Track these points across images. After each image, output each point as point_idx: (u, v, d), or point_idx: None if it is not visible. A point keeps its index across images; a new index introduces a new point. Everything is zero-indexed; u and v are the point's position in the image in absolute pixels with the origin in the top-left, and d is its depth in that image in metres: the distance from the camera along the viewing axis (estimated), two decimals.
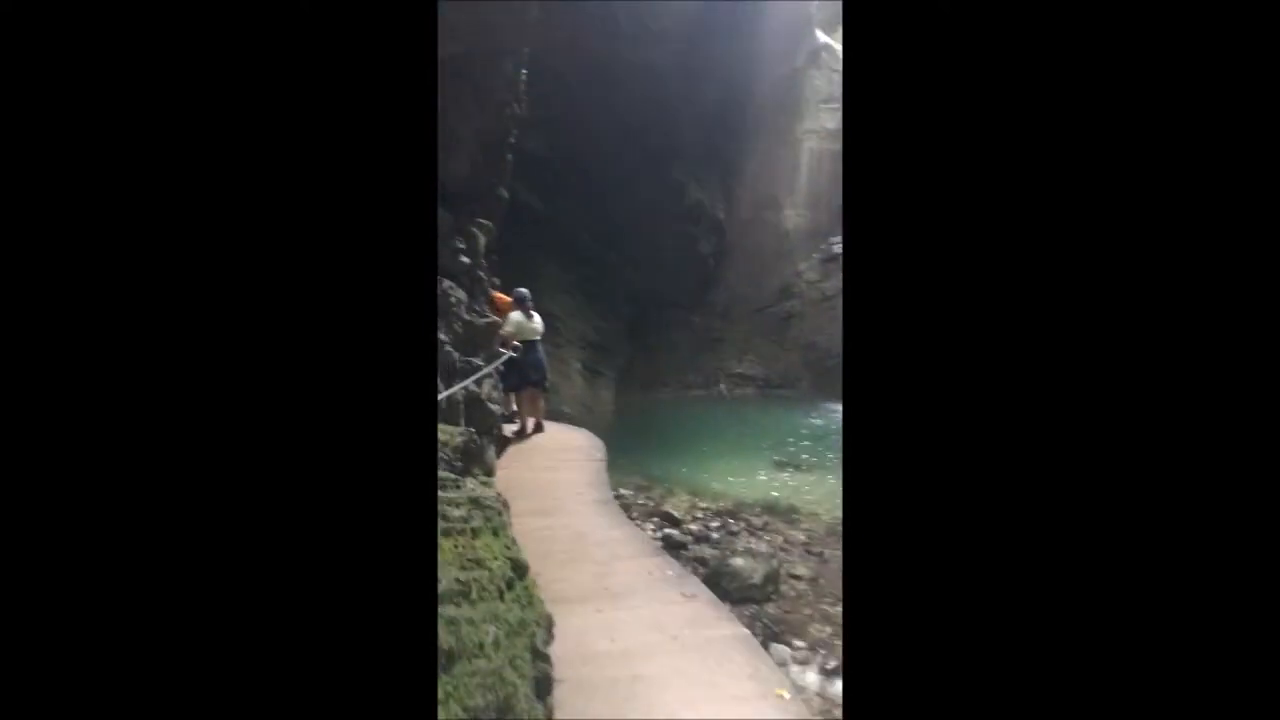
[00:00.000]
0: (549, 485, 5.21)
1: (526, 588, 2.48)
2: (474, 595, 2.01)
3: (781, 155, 15.79)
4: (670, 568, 3.54)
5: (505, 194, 6.03)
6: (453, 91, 4.32)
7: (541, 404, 7.54)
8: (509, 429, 7.21)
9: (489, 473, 3.64)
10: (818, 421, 10.92)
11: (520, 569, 2.51)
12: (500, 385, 6.98)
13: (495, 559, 2.38)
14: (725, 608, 3.11)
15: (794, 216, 15.59)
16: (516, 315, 6.81)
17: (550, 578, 3.20)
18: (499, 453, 6.13)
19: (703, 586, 3.32)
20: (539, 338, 7.06)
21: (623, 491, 6.98)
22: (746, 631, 2.85)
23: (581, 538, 3.99)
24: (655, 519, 6.24)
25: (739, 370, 14.84)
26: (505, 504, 3.04)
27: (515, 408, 7.46)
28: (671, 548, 5.64)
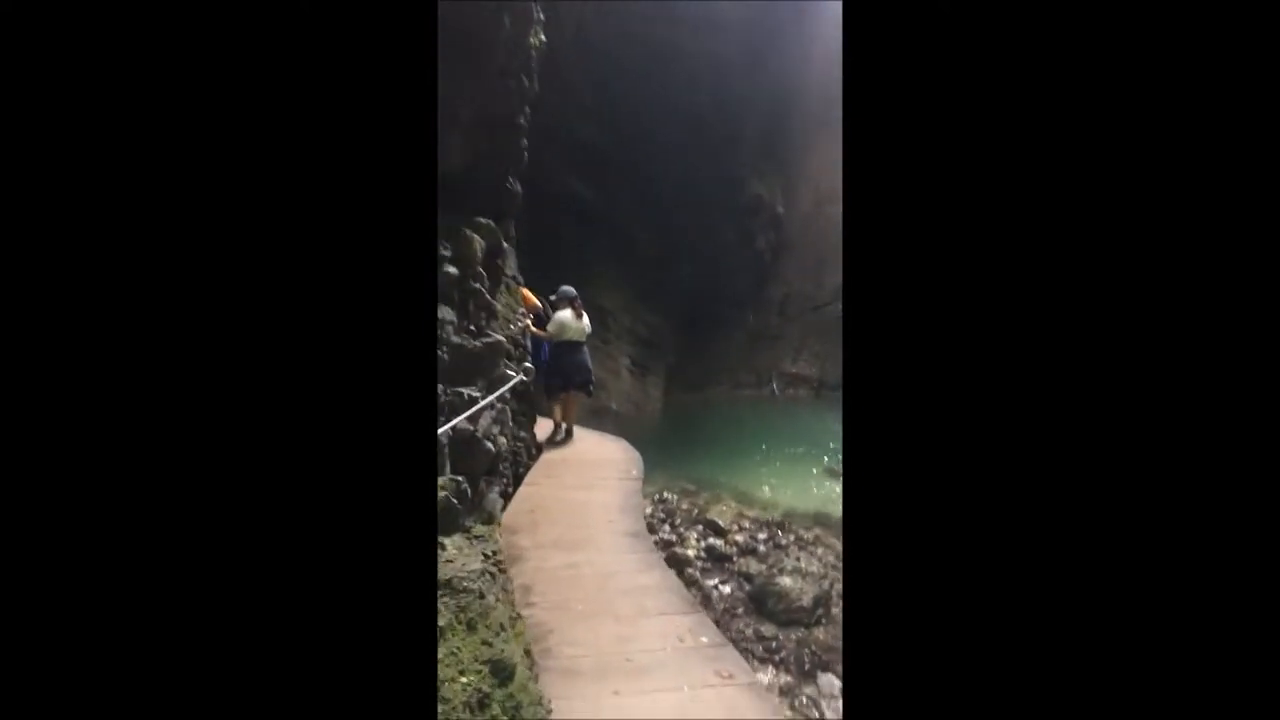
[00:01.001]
0: (579, 509, 4.77)
1: (513, 694, 1.90)
2: None
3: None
4: (704, 632, 3.07)
5: (517, 187, 5.09)
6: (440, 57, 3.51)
7: (575, 409, 7.16)
8: (551, 434, 6.96)
9: (488, 520, 3.01)
10: None
11: (504, 671, 1.93)
12: (543, 389, 6.72)
13: (463, 674, 1.80)
14: (770, 698, 2.65)
15: None
16: (564, 314, 6.54)
17: (564, 638, 2.84)
18: (530, 463, 5.78)
19: (741, 661, 2.86)
20: (584, 339, 6.75)
21: (667, 495, 6.75)
22: None
23: (607, 583, 3.55)
24: (699, 527, 5.99)
25: (793, 370, 14.35)
26: (499, 569, 2.52)
27: (554, 412, 7.04)
28: (715, 560, 5.39)
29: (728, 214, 13.84)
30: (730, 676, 2.64)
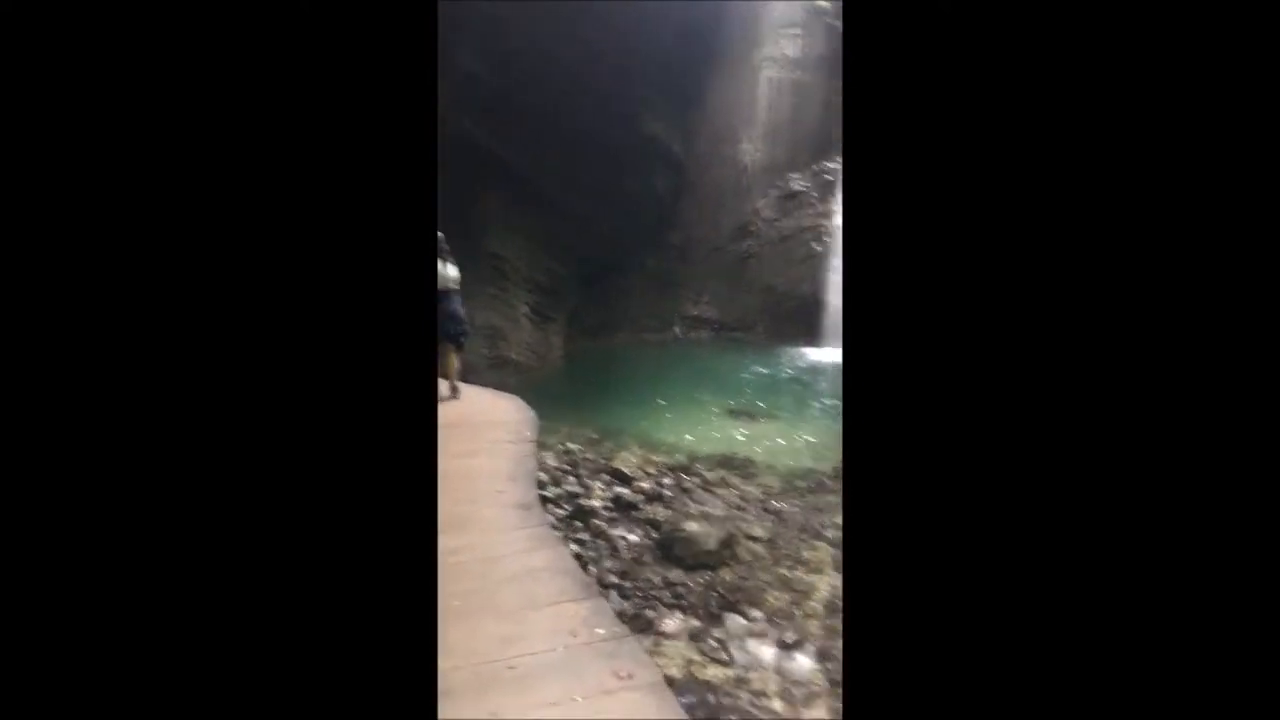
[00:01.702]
0: (463, 480, 4.32)
1: None
2: None
3: (739, 85, 15.02)
4: (601, 621, 2.71)
5: None
6: None
7: (457, 364, 6.55)
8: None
9: None
10: (765, 371, 10.66)
11: None
12: None
13: None
14: (673, 701, 2.33)
15: (752, 151, 14.96)
16: None
17: None
18: None
19: (644, 657, 2.54)
20: (455, 286, 6.15)
21: (571, 446, 6.62)
22: None
23: (491, 569, 3.14)
24: (605, 476, 5.92)
25: (694, 313, 14.45)
26: None
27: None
28: (622, 509, 5.34)
29: (624, 155, 13.47)
30: (630, 677, 2.35)
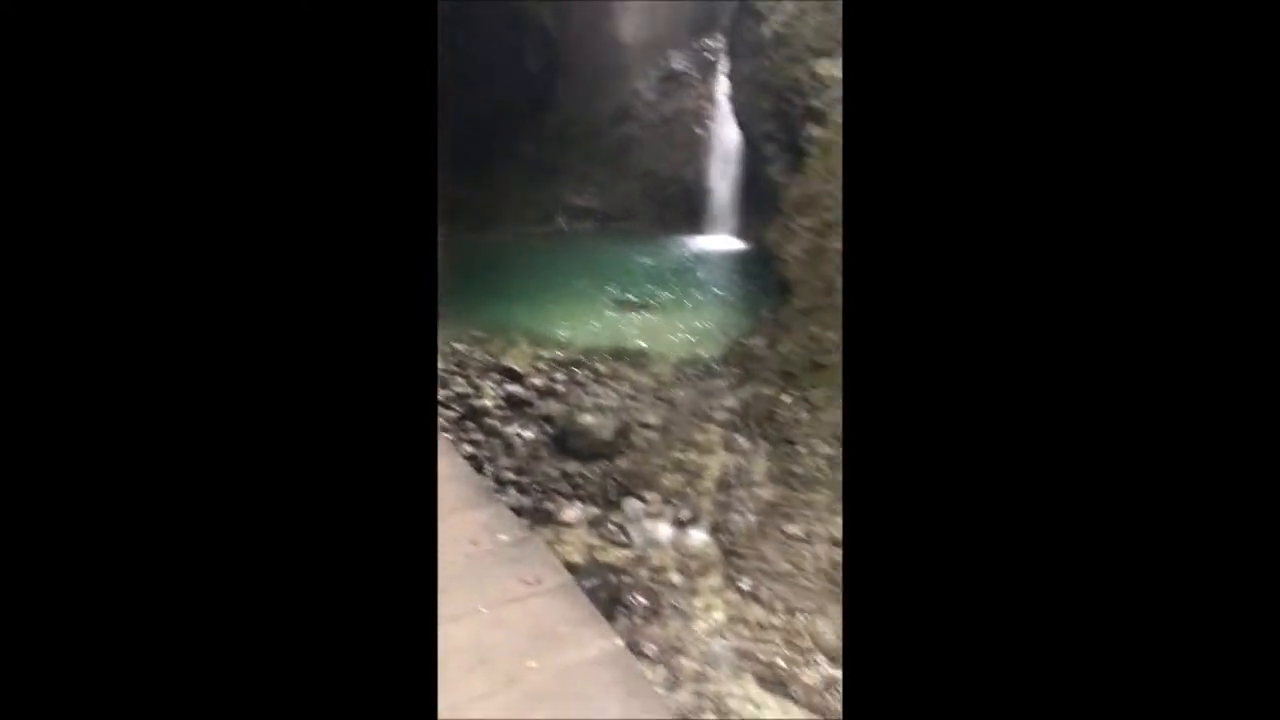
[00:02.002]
0: None
1: None
2: None
3: None
4: (503, 527, 2.57)
5: None
6: None
7: None
8: None
9: None
10: (650, 261, 10.63)
11: None
12: None
13: None
14: (584, 600, 2.25)
15: (630, 27, 14.12)
16: None
17: None
18: None
19: (550, 558, 2.44)
20: None
21: (457, 346, 6.40)
22: (619, 645, 2.04)
23: None
24: (495, 375, 5.81)
25: (579, 203, 13.99)
26: None
27: None
28: (514, 406, 5.30)
29: (491, 28, 12.31)
30: (538, 581, 2.25)
